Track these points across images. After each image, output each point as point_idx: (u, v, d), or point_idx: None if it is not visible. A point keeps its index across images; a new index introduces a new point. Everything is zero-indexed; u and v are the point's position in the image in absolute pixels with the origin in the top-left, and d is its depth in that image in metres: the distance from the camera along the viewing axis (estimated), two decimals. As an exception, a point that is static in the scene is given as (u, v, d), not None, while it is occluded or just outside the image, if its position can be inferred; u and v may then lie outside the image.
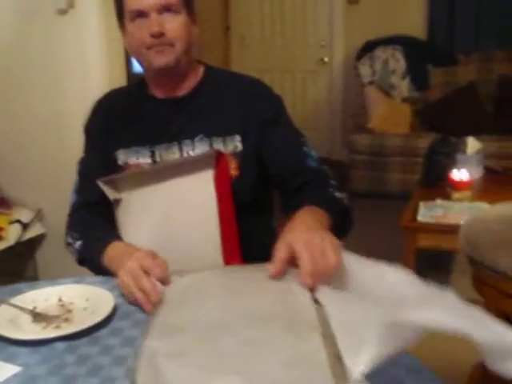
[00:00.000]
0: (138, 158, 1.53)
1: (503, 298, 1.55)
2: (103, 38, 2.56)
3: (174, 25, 1.44)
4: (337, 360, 0.80)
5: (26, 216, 2.75)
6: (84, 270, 2.70)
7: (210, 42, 5.02)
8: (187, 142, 1.50)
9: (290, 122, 1.58)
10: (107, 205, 1.45)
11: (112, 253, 1.34)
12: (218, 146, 1.48)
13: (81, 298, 1.23)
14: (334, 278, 1.02)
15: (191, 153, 1.50)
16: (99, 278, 1.36)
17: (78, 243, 1.46)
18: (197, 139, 1.50)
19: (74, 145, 2.67)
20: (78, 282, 1.32)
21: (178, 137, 1.51)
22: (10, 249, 2.68)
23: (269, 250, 1.38)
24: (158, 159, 1.52)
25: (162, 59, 1.45)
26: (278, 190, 1.56)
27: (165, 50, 1.44)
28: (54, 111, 2.71)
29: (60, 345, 1.07)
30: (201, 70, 1.58)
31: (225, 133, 1.49)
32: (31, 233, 2.77)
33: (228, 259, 1.40)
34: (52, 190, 2.80)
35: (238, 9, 5.69)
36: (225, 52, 5.59)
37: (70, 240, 1.50)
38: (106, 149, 1.55)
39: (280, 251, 1.11)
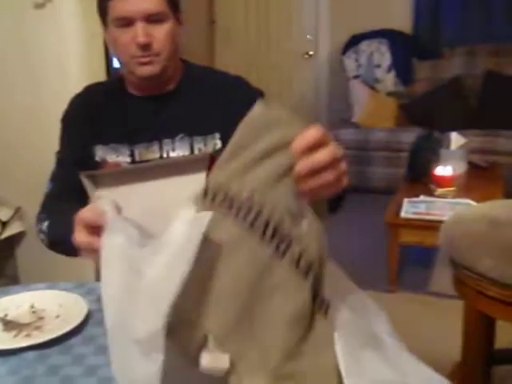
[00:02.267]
0: (117, 156, 1.49)
1: (483, 299, 1.54)
2: (82, 32, 2.50)
3: (161, 34, 1.40)
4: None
5: (4, 214, 2.71)
6: (62, 269, 2.67)
7: (195, 35, 4.98)
8: (167, 141, 1.48)
9: None
10: (82, 196, 1.40)
11: None
12: (199, 145, 1.47)
13: (53, 305, 1.20)
14: None
15: (171, 152, 1.47)
16: (73, 284, 1.33)
17: (45, 224, 1.38)
18: (177, 138, 1.47)
19: (53, 142, 2.64)
20: (51, 288, 1.30)
21: (158, 136, 1.48)
22: (-11, 247, 2.64)
23: None
24: (137, 158, 1.49)
25: (146, 70, 1.42)
26: None
27: (150, 60, 1.41)
28: (31, 109, 2.66)
29: (31, 354, 1.05)
30: (180, 67, 1.55)
31: (205, 132, 1.47)
32: (10, 231, 2.73)
33: None
34: (31, 188, 2.74)
35: (224, 2, 5.64)
36: (210, 45, 5.54)
37: (38, 224, 1.43)
38: (83, 143, 1.51)
39: None
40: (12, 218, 2.72)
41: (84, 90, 1.62)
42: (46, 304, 1.21)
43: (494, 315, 1.71)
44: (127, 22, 1.37)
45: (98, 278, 1.65)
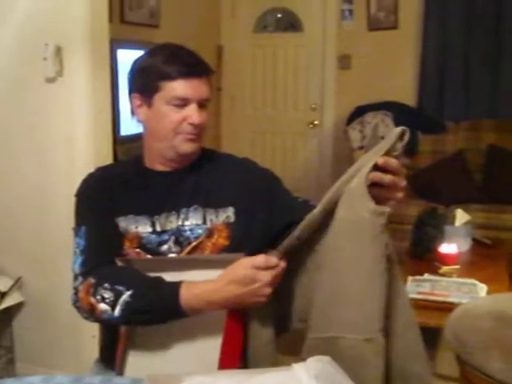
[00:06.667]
0: (136, 227, 1.55)
1: (492, 401, 1.49)
2: (91, 106, 2.55)
3: (205, 117, 1.57)
4: None
5: (4, 284, 2.68)
6: (58, 341, 2.62)
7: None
8: (184, 210, 1.57)
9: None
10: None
11: (193, 290, 1.36)
12: (211, 216, 1.57)
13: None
14: None
15: (186, 221, 1.56)
16: (69, 377, 1.29)
17: (127, 294, 1.35)
18: (191, 209, 1.57)
19: (55, 214, 2.64)
20: (46, 382, 1.26)
21: (175, 207, 1.57)
22: (-14, 318, 2.59)
23: None
24: (158, 228, 1.56)
25: (190, 146, 1.57)
26: None
27: (195, 138, 1.56)
28: (36, 179, 2.68)
29: None
30: None
31: (217, 205, 1.58)
32: (9, 301, 2.69)
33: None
34: (32, 258, 2.74)
35: (230, 70, 5.73)
36: (216, 112, 5.61)
37: (108, 295, 1.37)
38: (106, 215, 1.55)
39: None
40: (11, 288, 2.69)
41: (97, 170, 1.68)
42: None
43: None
44: (184, 103, 1.52)
45: (95, 365, 1.62)
